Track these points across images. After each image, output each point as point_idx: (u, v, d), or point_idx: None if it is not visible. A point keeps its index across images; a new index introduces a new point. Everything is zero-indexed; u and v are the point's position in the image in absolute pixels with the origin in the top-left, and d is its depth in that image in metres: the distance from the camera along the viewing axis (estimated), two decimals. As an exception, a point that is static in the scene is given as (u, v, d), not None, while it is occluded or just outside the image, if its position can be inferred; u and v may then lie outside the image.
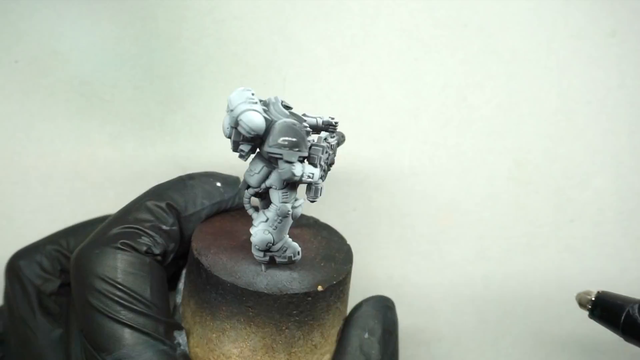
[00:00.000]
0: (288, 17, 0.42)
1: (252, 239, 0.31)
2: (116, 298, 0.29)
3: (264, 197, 0.32)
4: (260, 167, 0.30)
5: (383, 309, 0.35)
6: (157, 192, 0.33)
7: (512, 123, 0.44)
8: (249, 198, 0.31)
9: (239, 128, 0.28)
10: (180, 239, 0.33)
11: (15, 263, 0.35)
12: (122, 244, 0.30)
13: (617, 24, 0.43)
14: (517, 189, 0.45)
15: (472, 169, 0.45)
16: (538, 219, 0.45)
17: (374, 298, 0.35)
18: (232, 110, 0.28)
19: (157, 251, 0.31)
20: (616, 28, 0.43)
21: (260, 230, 0.31)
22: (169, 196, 0.33)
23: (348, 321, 0.34)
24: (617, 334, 0.34)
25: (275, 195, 0.30)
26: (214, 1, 0.42)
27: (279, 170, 0.29)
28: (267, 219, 0.31)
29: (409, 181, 0.45)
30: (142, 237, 0.31)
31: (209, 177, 0.35)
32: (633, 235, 0.45)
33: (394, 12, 0.43)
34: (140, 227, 0.31)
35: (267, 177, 0.30)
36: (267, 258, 0.32)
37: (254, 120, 0.28)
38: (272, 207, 0.30)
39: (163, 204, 0.32)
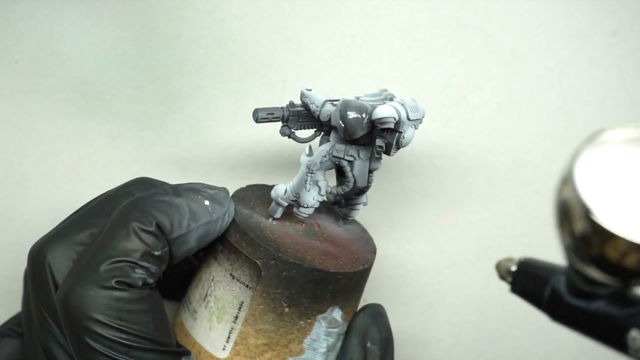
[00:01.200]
0: (288, 17, 0.42)
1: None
2: (121, 340, 0.28)
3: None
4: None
5: (380, 317, 0.35)
6: (142, 211, 0.30)
7: (512, 123, 0.44)
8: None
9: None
10: (169, 259, 0.31)
11: (39, 259, 0.32)
12: (117, 282, 0.28)
13: (617, 24, 0.43)
14: (517, 189, 0.45)
15: (472, 169, 0.45)
16: (538, 219, 0.45)
17: (369, 307, 0.36)
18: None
19: (152, 281, 0.30)
20: (616, 28, 0.43)
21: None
22: (154, 217, 0.30)
23: (348, 330, 0.35)
24: (544, 313, 0.27)
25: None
26: (214, 1, 0.42)
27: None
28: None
29: (409, 181, 0.45)
30: (136, 270, 0.29)
31: (196, 193, 0.32)
32: (633, 235, 0.45)
33: (394, 12, 0.43)
34: (132, 260, 0.29)
35: None
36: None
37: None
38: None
39: (152, 228, 0.30)
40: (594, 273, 0.21)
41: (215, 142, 0.44)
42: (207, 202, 0.32)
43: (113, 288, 0.28)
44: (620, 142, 0.21)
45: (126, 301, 0.28)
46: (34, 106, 0.42)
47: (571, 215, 0.20)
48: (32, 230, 0.42)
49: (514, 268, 0.28)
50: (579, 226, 0.20)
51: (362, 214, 0.41)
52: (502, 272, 0.29)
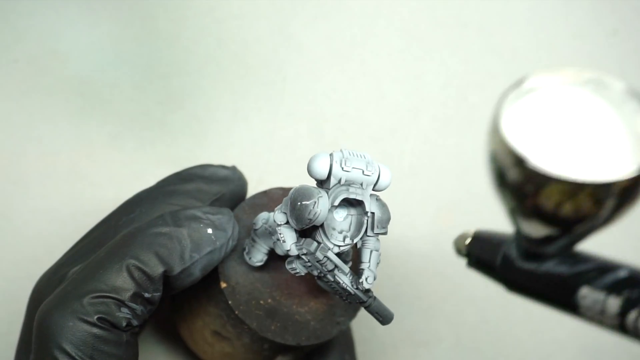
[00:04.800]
0: (288, 17, 0.42)
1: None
2: None
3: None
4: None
5: (351, 336, 0.36)
6: (140, 246, 0.29)
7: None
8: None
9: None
10: (160, 301, 0.30)
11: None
12: (99, 319, 0.27)
13: (618, 23, 0.43)
14: (517, 189, 0.45)
15: (472, 169, 0.45)
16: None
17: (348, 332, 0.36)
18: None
19: (136, 323, 0.28)
20: (617, 27, 0.43)
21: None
22: (153, 253, 0.29)
23: (332, 343, 0.35)
24: (499, 283, 0.26)
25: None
26: (214, 1, 0.42)
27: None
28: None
29: (409, 181, 0.45)
30: (122, 309, 0.28)
31: (198, 221, 0.30)
32: (635, 236, 0.45)
33: (394, 12, 0.43)
34: (120, 298, 0.28)
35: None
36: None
37: None
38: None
39: (147, 269, 0.28)
40: (535, 228, 0.21)
41: (215, 142, 0.44)
42: (209, 230, 0.30)
43: (93, 324, 0.27)
44: (543, 85, 0.20)
45: (103, 341, 0.27)
46: (33, 106, 0.42)
47: (502, 168, 0.20)
48: (32, 230, 0.41)
49: (468, 241, 0.27)
50: (511, 176, 0.19)
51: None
52: (459, 246, 0.28)
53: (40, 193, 0.43)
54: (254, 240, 0.32)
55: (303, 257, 0.29)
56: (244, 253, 0.32)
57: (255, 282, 0.32)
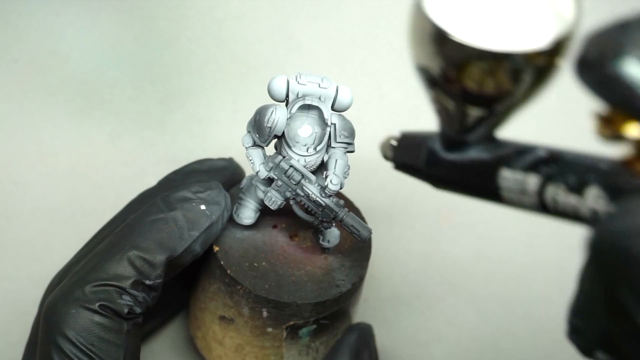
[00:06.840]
0: (288, 16, 0.43)
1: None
2: None
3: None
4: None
5: (371, 340, 0.35)
6: (139, 234, 0.29)
7: (512, 123, 0.44)
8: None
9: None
10: (162, 287, 0.30)
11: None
12: (100, 306, 0.28)
13: (617, 24, 0.43)
14: (517, 189, 0.45)
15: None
16: (539, 219, 0.45)
17: (361, 327, 0.35)
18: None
19: (138, 310, 0.29)
20: (617, 28, 0.43)
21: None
22: (152, 240, 0.29)
23: (340, 347, 0.34)
24: (425, 182, 0.26)
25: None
26: (214, 1, 0.42)
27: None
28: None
29: (409, 181, 0.45)
30: (124, 297, 0.28)
31: (189, 201, 0.31)
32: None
33: (394, 12, 0.43)
34: (121, 285, 0.28)
35: None
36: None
37: None
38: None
39: (148, 256, 0.29)
40: (460, 109, 0.22)
41: (215, 142, 0.44)
42: (203, 207, 0.31)
43: (95, 311, 0.28)
44: None
45: (104, 328, 0.28)
46: (33, 106, 0.42)
47: (427, 67, 0.21)
48: (32, 230, 0.42)
49: (394, 143, 0.28)
50: (434, 68, 0.21)
51: (363, 214, 0.41)
52: (385, 150, 0.28)
53: (40, 193, 0.43)
54: (241, 198, 0.33)
55: (273, 176, 0.31)
56: (233, 213, 0.33)
57: (250, 248, 0.33)
